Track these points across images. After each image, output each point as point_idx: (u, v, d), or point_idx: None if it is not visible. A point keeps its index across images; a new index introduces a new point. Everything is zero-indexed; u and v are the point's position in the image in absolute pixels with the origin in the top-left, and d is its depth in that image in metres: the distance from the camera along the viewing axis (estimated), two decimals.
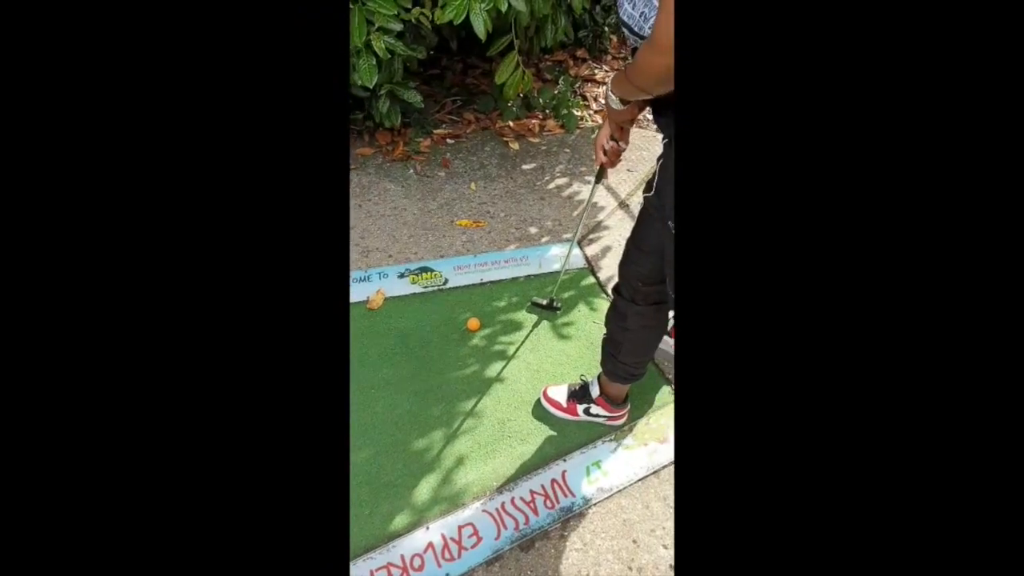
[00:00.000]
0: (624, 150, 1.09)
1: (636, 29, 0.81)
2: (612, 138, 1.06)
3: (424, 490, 1.30)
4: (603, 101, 0.99)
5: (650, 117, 0.94)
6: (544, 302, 1.73)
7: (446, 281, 1.81)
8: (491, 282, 1.82)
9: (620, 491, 1.31)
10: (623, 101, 0.92)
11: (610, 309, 1.25)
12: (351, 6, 1.73)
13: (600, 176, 1.28)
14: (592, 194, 1.39)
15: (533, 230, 2.03)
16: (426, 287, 1.78)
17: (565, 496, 1.30)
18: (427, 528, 1.23)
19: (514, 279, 1.83)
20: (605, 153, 1.08)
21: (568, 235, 2.01)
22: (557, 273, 1.86)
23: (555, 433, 1.42)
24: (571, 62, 2.90)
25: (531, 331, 1.67)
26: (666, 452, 1.38)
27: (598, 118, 2.63)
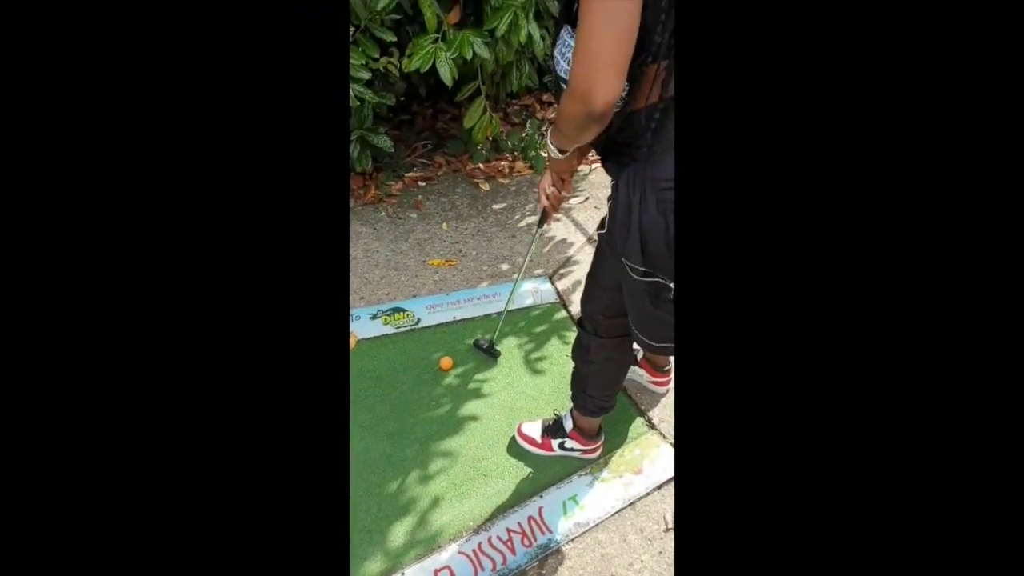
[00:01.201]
0: (565, 198, 1.14)
1: None
2: (554, 185, 1.11)
3: (399, 534, 1.28)
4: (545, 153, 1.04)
5: None
6: (484, 345, 1.71)
7: (418, 321, 1.82)
8: (463, 320, 1.83)
9: (597, 525, 1.30)
10: (561, 151, 0.96)
11: (575, 343, 1.27)
12: None
13: (542, 220, 1.32)
14: (535, 238, 1.44)
15: (505, 267, 2.07)
16: (398, 327, 1.79)
17: (542, 533, 1.28)
18: (403, 574, 1.21)
19: (487, 316, 1.85)
20: (548, 198, 1.13)
21: (540, 271, 2.05)
22: (526, 309, 1.88)
23: (531, 469, 1.41)
24: (537, 106, 3.01)
25: (504, 367, 1.68)
26: (641, 484, 1.38)
27: None
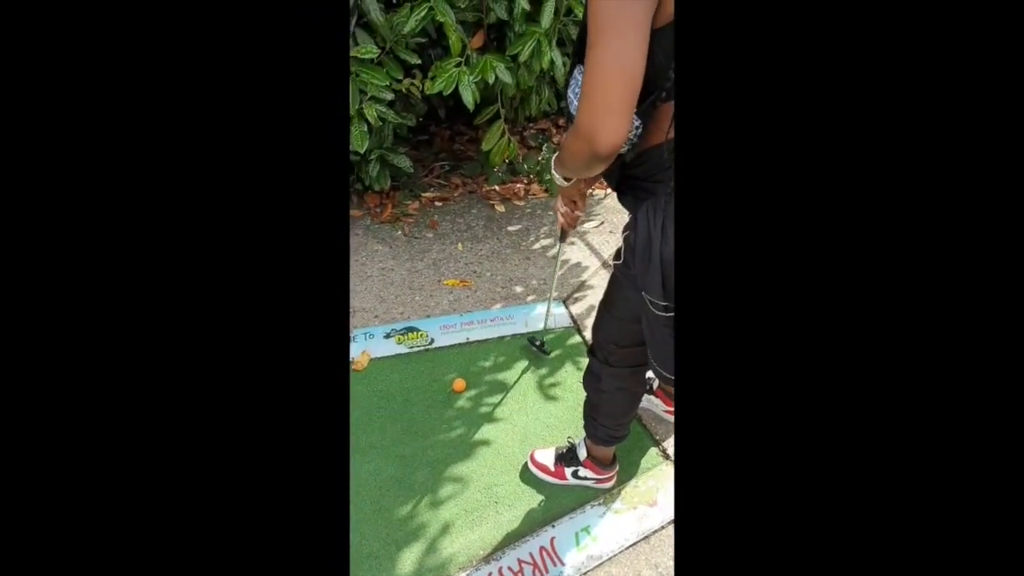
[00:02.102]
0: (580, 216, 1.14)
1: None
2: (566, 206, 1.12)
3: (408, 561, 1.25)
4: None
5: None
6: (538, 342, 1.78)
7: (432, 341, 1.80)
8: (477, 341, 1.82)
9: (610, 559, 1.27)
10: (565, 178, 0.96)
11: (586, 371, 1.25)
12: None
13: (563, 237, 1.34)
14: (559, 253, 1.47)
15: (519, 289, 2.06)
16: (412, 347, 1.78)
17: (554, 565, 1.25)
18: None
19: (500, 338, 1.84)
20: (562, 217, 1.14)
21: (554, 295, 2.04)
22: (540, 333, 1.87)
23: (543, 498, 1.39)
24: (554, 130, 3.03)
25: (518, 392, 1.66)
26: (656, 516, 1.35)
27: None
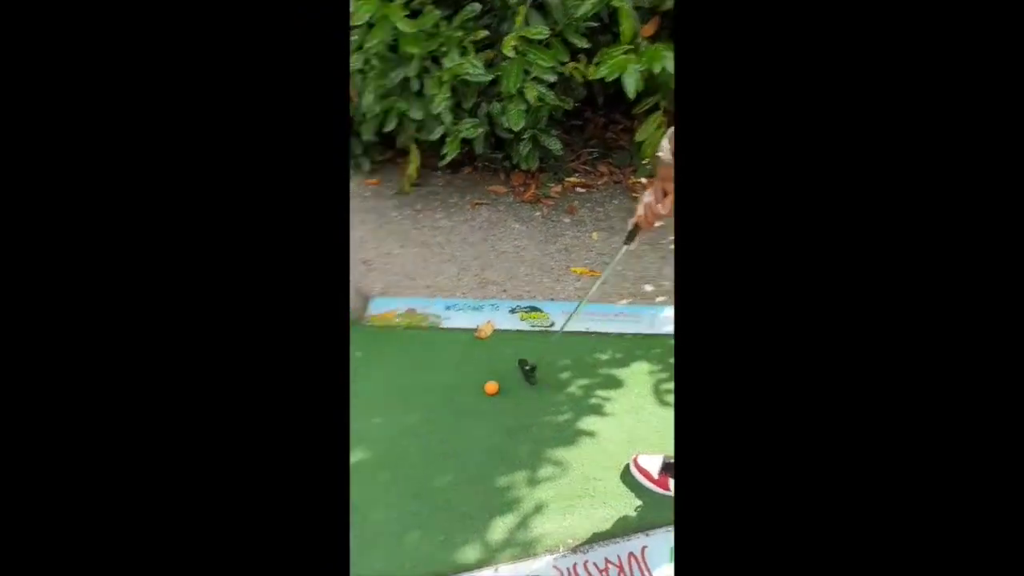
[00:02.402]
0: (663, 215, 1.02)
1: None
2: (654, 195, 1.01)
3: (499, 529, 1.29)
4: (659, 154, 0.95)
5: None
6: (527, 367, 1.63)
7: (553, 324, 1.82)
8: (597, 333, 1.80)
9: None
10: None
11: None
12: (513, 56, 1.85)
13: (630, 237, 1.21)
14: (619, 255, 1.32)
15: (648, 288, 2.00)
16: (533, 326, 1.81)
17: (642, 574, 1.22)
18: (496, 570, 1.22)
19: (621, 335, 1.80)
20: (643, 208, 1.04)
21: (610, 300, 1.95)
22: (664, 336, 1.80)
23: (641, 503, 1.35)
24: None
25: (631, 391, 1.63)
26: None
27: None
